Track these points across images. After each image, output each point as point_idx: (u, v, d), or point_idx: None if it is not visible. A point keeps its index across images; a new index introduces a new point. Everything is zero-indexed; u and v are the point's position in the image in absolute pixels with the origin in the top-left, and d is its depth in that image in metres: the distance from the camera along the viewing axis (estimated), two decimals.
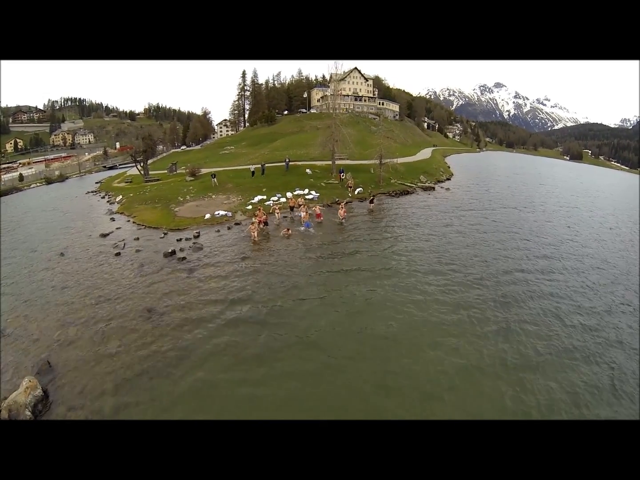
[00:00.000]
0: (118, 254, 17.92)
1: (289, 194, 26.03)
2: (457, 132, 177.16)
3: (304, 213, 21.41)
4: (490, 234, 20.76)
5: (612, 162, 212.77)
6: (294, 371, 8.85)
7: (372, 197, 25.59)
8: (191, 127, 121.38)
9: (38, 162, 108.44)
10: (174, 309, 12.02)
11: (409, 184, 32.71)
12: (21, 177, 72.43)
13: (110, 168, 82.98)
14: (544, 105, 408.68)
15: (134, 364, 9.46)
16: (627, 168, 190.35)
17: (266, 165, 35.41)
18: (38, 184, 65.66)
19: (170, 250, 16.97)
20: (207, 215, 22.63)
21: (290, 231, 19.01)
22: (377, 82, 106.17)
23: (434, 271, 14.62)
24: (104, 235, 21.72)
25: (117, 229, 23.27)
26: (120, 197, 34.23)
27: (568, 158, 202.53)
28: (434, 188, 33.68)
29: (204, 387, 8.47)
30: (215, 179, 31.05)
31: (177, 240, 19.17)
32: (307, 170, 33.48)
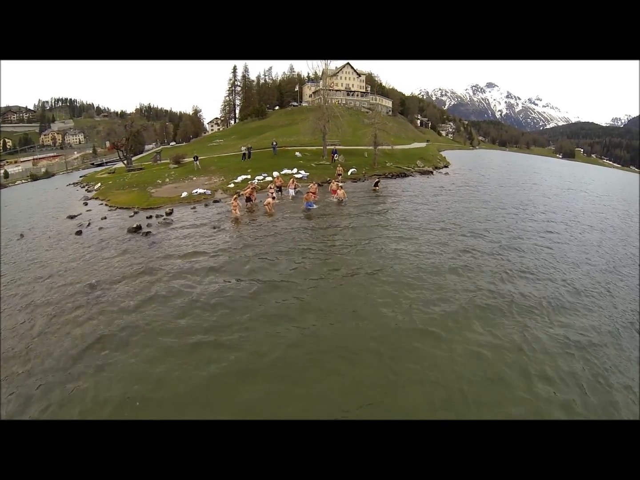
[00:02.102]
0: (79, 232, 15.94)
1: (275, 174, 24.06)
2: (450, 130, 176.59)
3: (292, 190, 19.63)
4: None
5: (604, 160, 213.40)
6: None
7: (377, 180, 23.33)
8: (182, 126, 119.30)
9: (26, 161, 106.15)
10: (120, 285, 9.97)
11: (405, 168, 30.96)
12: (6, 174, 70.51)
13: (99, 165, 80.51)
14: (536, 105, 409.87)
15: (55, 350, 7.37)
16: (619, 166, 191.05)
17: (253, 150, 33.40)
18: (23, 181, 63.68)
19: (135, 226, 14.98)
20: (184, 194, 20.59)
21: (272, 205, 17.03)
22: (370, 79, 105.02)
23: None
24: (71, 217, 19.76)
25: (87, 211, 21.37)
26: (99, 184, 32.32)
27: (560, 156, 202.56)
28: (432, 172, 32.01)
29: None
30: (197, 162, 29.12)
31: (147, 217, 17.18)
32: (297, 154, 31.46)
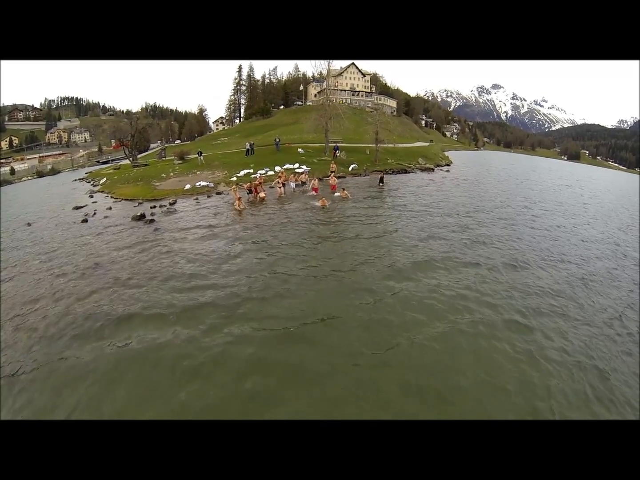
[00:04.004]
0: (85, 221, 16.42)
1: (277, 168, 24.45)
2: (455, 131, 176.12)
3: (293, 183, 20.10)
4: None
5: (610, 162, 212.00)
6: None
7: (381, 176, 23.41)
8: (187, 124, 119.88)
9: (32, 158, 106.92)
10: (125, 266, 10.39)
11: (407, 165, 31.22)
12: (12, 171, 71.27)
13: (104, 162, 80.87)
14: (542, 106, 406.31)
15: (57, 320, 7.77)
16: (624, 168, 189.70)
17: (257, 147, 33.80)
18: (29, 178, 64.43)
19: (139, 214, 15.40)
20: (188, 186, 21.05)
21: (264, 195, 17.72)
22: (375, 79, 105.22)
23: None
24: (77, 208, 20.27)
25: (92, 202, 21.88)
26: (105, 179, 32.82)
27: (566, 158, 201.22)
28: (433, 169, 32.25)
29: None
30: (201, 157, 29.51)
31: (151, 207, 17.65)
32: (299, 150, 31.87)
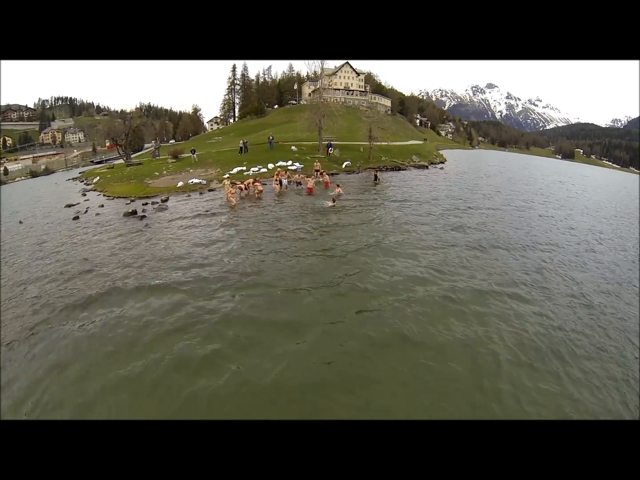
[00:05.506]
0: (76, 218, 16.39)
1: (270, 165, 24.52)
2: (450, 130, 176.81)
3: (285, 180, 20.07)
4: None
5: (604, 161, 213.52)
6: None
7: (375, 173, 23.26)
8: (181, 124, 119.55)
9: (25, 158, 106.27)
10: (112, 261, 10.41)
11: (400, 162, 31.35)
12: (6, 171, 70.68)
13: (98, 162, 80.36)
14: (536, 105, 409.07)
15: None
16: (618, 166, 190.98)
17: (250, 145, 33.80)
18: (23, 178, 63.96)
19: (130, 211, 15.44)
20: (180, 183, 21.06)
21: (262, 188, 17.92)
22: (369, 78, 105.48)
23: None
24: (69, 206, 20.25)
25: (85, 200, 21.88)
26: (98, 178, 32.72)
27: (560, 157, 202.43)
28: (427, 167, 32.38)
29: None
30: (195, 155, 29.49)
31: (143, 204, 17.64)
32: (293, 148, 31.91)
